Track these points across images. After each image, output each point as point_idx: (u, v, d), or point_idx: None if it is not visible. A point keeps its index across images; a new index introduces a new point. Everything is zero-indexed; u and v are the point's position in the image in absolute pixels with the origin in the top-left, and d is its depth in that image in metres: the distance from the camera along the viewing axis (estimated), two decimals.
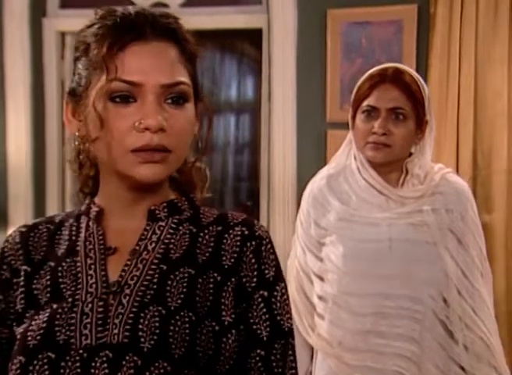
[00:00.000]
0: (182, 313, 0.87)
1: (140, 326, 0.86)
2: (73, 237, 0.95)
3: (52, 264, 0.94)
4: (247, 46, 5.77)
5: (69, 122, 0.94)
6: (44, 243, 0.97)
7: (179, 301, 0.88)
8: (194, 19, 3.06)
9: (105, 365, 0.85)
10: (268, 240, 0.95)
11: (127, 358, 0.84)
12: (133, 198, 0.94)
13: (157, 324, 0.86)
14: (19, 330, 0.90)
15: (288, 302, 0.95)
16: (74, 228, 0.97)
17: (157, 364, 0.84)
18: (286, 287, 0.95)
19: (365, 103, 1.66)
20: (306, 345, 1.74)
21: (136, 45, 0.86)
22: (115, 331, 0.86)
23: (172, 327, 0.86)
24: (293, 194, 2.87)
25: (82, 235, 0.95)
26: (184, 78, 0.89)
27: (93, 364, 0.85)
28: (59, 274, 0.92)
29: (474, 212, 1.70)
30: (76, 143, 0.94)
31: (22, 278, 0.94)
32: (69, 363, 0.85)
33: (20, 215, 2.96)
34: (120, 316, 0.87)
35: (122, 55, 0.85)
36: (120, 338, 0.86)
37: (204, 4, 3.08)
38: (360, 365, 1.62)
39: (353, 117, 1.71)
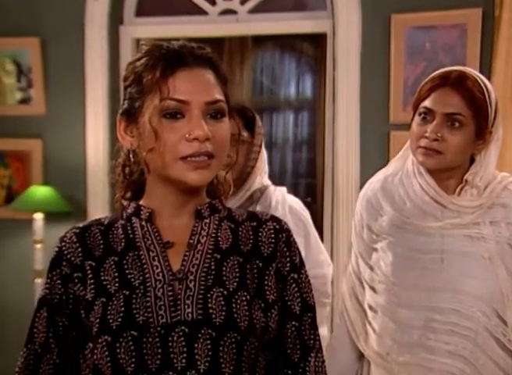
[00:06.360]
0: (239, 293, 1.06)
1: (210, 305, 1.04)
2: (130, 235, 1.11)
3: (115, 258, 1.09)
4: (305, 45, 5.86)
5: (123, 137, 1.11)
6: (100, 241, 1.11)
7: (235, 284, 1.07)
8: (262, 25, 3.20)
9: (182, 338, 1.02)
10: (291, 233, 1.16)
11: (202, 331, 1.02)
12: (181, 201, 1.11)
13: (222, 303, 1.05)
14: (96, 315, 1.05)
15: (310, 282, 1.16)
16: (128, 228, 1.12)
17: (228, 334, 1.02)
18: (307, 271, 1.16)
19: (422, 105, 1.57)
20: (356, 350, 1.72)
21: (183, 71, 1.04)
22: (189, 310, 1.04)
23: (234, 305, 1.05)
24: (356, 194, 2.92)
25: (138, 233, 1.11)
26: (221, 97, 1.07)
27: (170, 338, 1.02)
28: (125, 267, 1.08)
29: None
30: (131, 155, 1.11)
31: (89, 271, 1.08)
32: (150, 339, 1.02)
33: (98, 210, 3.17)
34: (190, 298, 1.05)
35: (172, 80, 1.03)
36: (194, 316, 1.03)
37: (271, 10, 3.19)
38: None
39: (413, 119, 1.63)
